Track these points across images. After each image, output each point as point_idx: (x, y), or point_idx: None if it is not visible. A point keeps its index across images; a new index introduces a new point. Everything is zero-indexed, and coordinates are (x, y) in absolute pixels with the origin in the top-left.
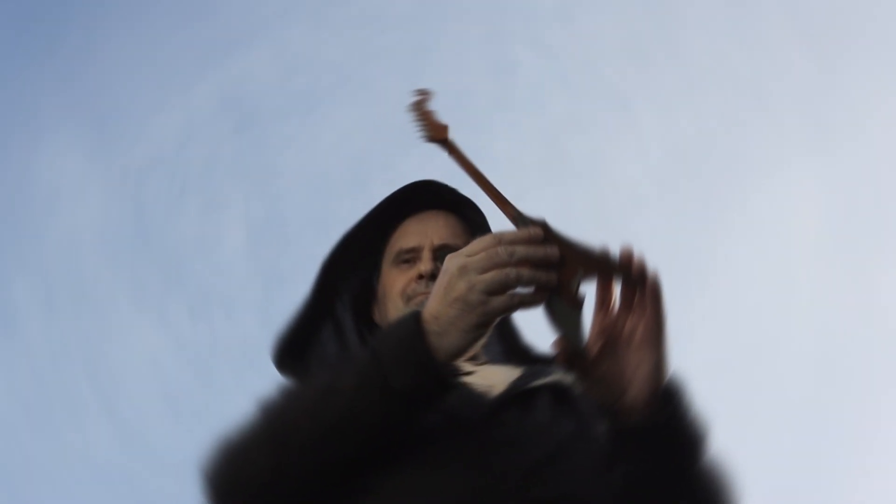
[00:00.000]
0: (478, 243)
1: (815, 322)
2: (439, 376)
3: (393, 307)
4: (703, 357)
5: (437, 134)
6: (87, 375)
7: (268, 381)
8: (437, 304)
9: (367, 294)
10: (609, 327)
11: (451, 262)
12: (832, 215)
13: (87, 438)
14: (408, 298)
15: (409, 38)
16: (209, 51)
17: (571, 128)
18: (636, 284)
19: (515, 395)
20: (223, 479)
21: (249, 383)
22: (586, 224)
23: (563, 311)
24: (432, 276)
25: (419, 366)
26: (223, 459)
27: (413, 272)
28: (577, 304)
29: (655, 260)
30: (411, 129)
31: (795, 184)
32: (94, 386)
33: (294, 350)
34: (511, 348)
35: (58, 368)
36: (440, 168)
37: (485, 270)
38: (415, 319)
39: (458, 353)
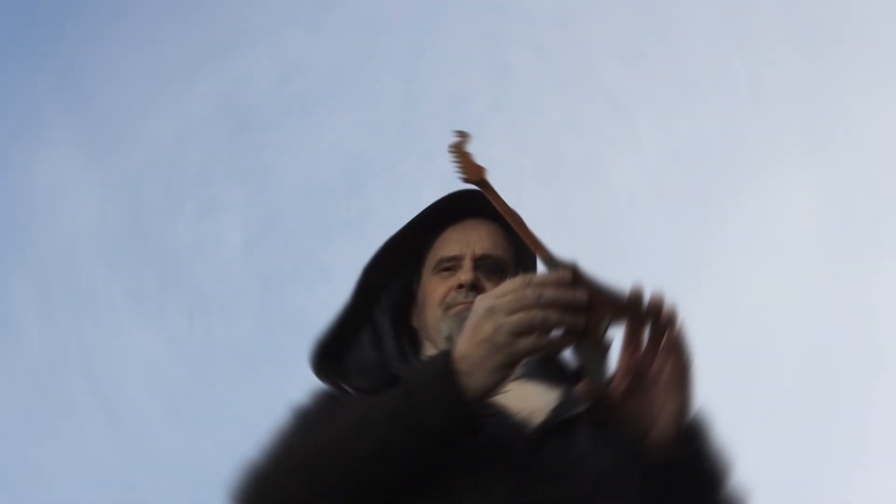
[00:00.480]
0: (507, 285)
1: (810, 322)
2: (468, 415)
3: (432, 315)
4: (699, 359)
5: (474, 175)
6: (85, 377)
7: (264, 382)
8: (465, 345)
9: (407, 300)
10: (636, 367)
11: (481, 303)
12: (827, 215)
13: (84, 440)
14: (447, 307)
15: (405, 40)
16: (206, 54)
17: (568, 130)
18: (664, 329)
19: (556, 424)
20: None
21: (247, 385)
22: (582, 226)
23: (590, 354)
24: (472, 287)
25: (450, 405)
26: (254, 485)
27: (453, 281)
28: (604, 347)
29: (652, 263)
30: (450, 169)
31: (790, 184)
32: (91, 388)
33: (332, 354)
34: (546, 360)
35: (56, 370)
36: (438, 171)
37: (512, 312)
38: (445, 359)
39: (487, 392)
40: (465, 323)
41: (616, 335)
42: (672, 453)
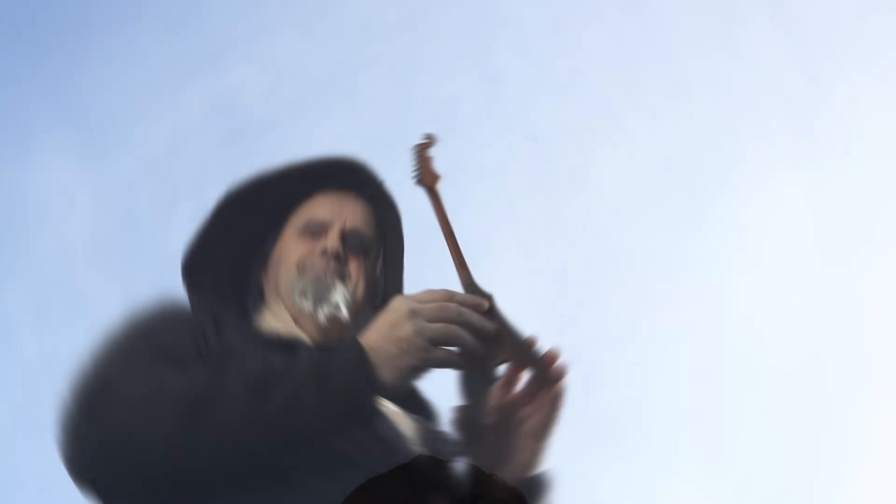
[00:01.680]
0: (430, 293)
1: (805, 330)
2: (373, 403)
3: (286, 274)
4: (692, 366)
5: (428, 180)
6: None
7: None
8: (378, 338)
9: (259, 250)
10: (506, 406)
11: (402, 302)
12: (820, 220)
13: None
14: (303, 270)
15: (396, 47)
16: (199, 60)
17: (559, 137)
18: (545, 383)
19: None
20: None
21: None
22: (575, 233)
23: (476, 383)
24: (335, 257)
25: (363, 385)
26: (102, 414)
27: (317, 246)
28: (490, 379)
29: (643, 267)
30: (408, 166)
31: (784, 195)
32: None
33: (198, 265)
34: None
35: (50, 375)
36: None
37: (434, 320)
38: (357, 344)
39: (386, 389)
40: (321, 285)
41: (501, 372)
42: (506, 499)
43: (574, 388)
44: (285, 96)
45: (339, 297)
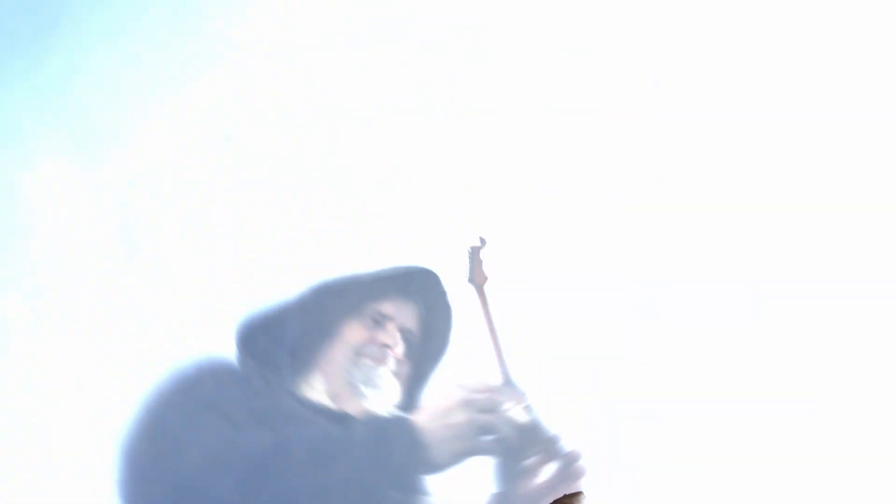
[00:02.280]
0: (481, 384)
1: None
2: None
3: (342, 353)
4: None
5: (479, 280)
6: (78, 385)
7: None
8: (430, 421)
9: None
10: (531, 494)
11: (457, 391)
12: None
13: (78, 444)
14: (359, 353)
15: (386, 54)
16: (195, 68)
17: (552, 143)
18: (566, 478)
19: None
20: None
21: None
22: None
23: (508, 471)
24: (389, 349)
25: (414, 470)
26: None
27: (378, 336)
28: (521, 470)
29: None
30: (460, 264)
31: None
32: (82, 396)
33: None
34: None
35: (48, 378)
36: (422, 180)
37: (485, 412)
38: (409, 423)
39: (436, 469)
40: (371, 370)
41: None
42: None
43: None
44: (279, 103)
45: (383, 383)
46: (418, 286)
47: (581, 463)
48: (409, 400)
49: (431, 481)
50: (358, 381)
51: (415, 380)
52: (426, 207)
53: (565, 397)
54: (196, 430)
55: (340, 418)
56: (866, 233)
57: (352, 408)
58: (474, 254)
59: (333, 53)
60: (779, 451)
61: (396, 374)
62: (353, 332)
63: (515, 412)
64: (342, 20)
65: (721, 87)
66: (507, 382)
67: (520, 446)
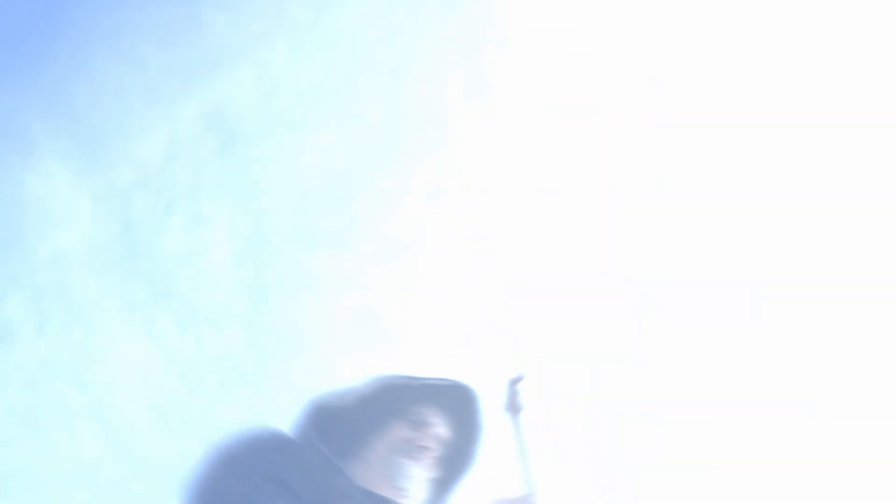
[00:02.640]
0: (510, 498)
1: None
2: None
3: (385, 447)
4: None
5: (514, 409)
6: (78, 386)
7: (252, 390)
8: None
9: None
10: None
11: (489, 501)
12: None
13: (77, 446)
14: (400, 450)
15: (387, 58)
16: (194, 71)
17: (549, 143)
18: None
19: None
20: None
21: (235, 392)
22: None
23: None
24: (425, 451)
25: None
26: None
27: (418, 437)
28: None
29: None
30: (498, 395)
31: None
32: (84, 395)
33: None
34: None
35: (49, 379)
36: (419, 185)
37: None
38: None
39: None
40: (408, 467)
41: None
42: None
43: None
44: (278, 107)
45: (417, 478)
46: (460, 402)
47: None
48: (436, 501)
49: None
50: (394, 474)
51: (442, 483)
52: (426, 207)
53: (565, 397)
54: (261, 499)
55: (386, 503)
56: (866, 233)
57: (388, 491)
58: (513, 385)
59: (334, 53)
60: (779, 450)
61: (427, 475)
62: (397, 430)
63: None
64: (343, 20)
65: (721, 87)
66: (530, 494)
67: None
